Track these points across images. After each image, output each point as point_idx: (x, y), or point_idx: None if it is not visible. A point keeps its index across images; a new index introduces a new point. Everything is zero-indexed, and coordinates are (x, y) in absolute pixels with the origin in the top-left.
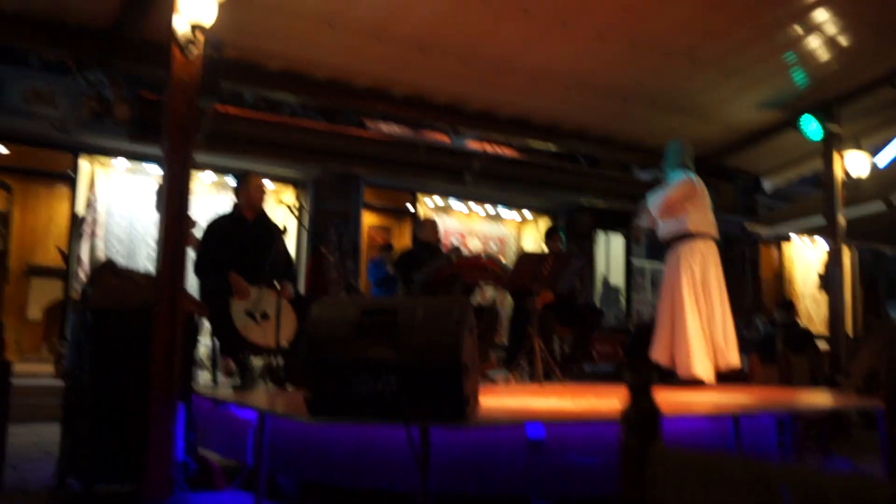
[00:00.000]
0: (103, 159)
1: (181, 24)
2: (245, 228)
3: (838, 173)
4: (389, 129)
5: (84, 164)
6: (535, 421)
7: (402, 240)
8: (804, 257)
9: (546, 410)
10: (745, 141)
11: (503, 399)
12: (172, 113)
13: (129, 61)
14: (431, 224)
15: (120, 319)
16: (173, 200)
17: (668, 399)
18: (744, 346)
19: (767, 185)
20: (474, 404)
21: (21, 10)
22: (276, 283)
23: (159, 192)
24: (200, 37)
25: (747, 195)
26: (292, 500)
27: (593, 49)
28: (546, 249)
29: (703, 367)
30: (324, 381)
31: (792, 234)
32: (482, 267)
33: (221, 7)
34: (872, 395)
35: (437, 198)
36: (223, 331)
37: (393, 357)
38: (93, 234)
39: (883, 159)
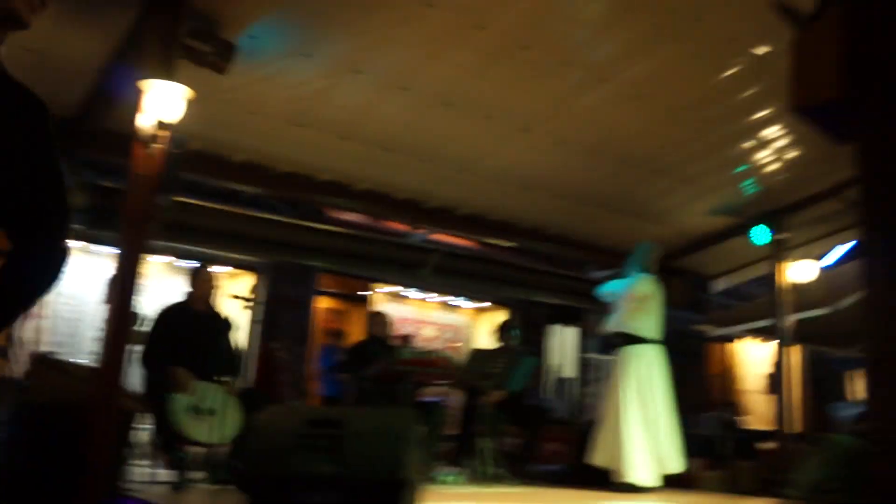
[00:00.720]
0: None
1: (146, 120)
2: (194, 320)
3: (785, 279)
4: (349, 219)
5: None
6: None
7: (356, 325)
8: (751, 355)
9: None
10: (697, 244)
11: None
12: (130, 207)
13: (91, 150)
14: (383, 318)
15: (55, 415)
16: (121, 294)
17: None
18: (691, 445)
19: (718, 285)
20: None
21: None
22: (221, 378)
23: (110, 284)
24: (164, 133)
25: (696, 291)
26: None
27: (553, 154)
28: (498, 345)
29: (643, 473)
30: (263, 494)
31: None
32: (432, 365)
33: (189, 102)
34: None
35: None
36: (162, 426)
37: (335, 472)
38: (38, 315)
39: (828, 262)
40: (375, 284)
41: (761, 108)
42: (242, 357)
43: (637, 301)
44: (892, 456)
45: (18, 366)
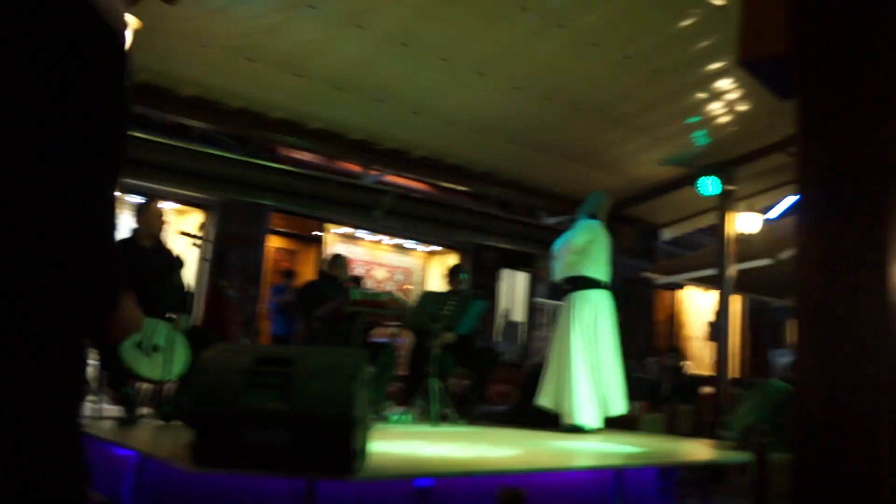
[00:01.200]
0: None
1: None
2: (142, 257)
3: (731, 230)
4: (301, 158)
5: None
6: (424, 476)
7: (307, 265)
8: (696, 303)
9: (436, 459)
10: (647, 193)
11: (396, 444)
12: None
13: None
14: (343, 260)
15: None
16: None
17: (556, 449)
18: (635, 389)
19: (665, 234)
20: (363, 457)
21: None
22: (170, 315)
23: None
24: None
25: (646, 240)
26: None
27: (508, 99)
28: (448, 288)
29: (586, 416)
30: (211, 431)
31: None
32: (383, 306)
33: (135, 33)
34: (748, 449)
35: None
36: (110, 362)
37: (284, 409)
38: None
39: (773, 214)
40: (328, 225)
41: (715, 60)
42: (193, 294)
43: (580, 248)
44: (811, 401)
45: None
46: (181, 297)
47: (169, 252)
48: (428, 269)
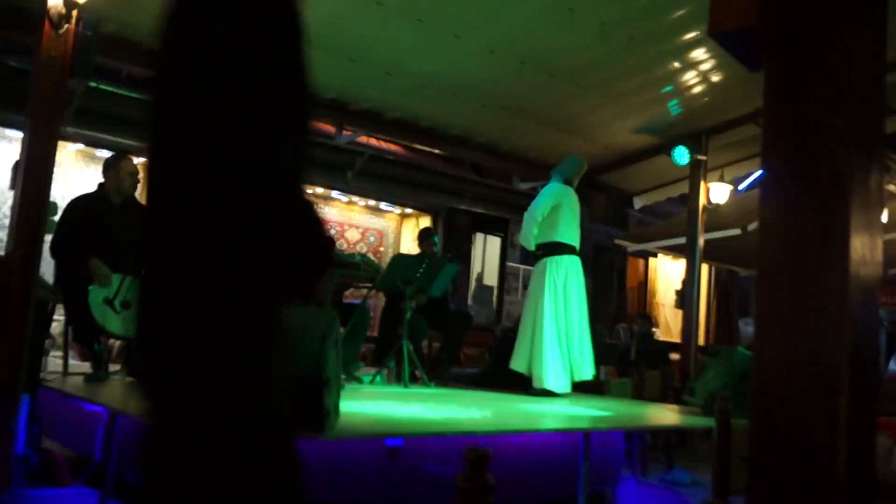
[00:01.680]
0: None
1: None
2: (111, 212)
3: (702, 199)
4: None
5: None
6: (395, 436)
7: None
8: (667, 271)
9: (407, 419)
10: (620, 161)
11: (367, 404)
12: (38, 90)
13: None
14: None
15: None
16: (33, 181)
17: (525, 412)
18: (604, 354)
19: (638, 202)
20: (335, 416)
21: None
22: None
23: (15, 168)
24: (74, 12)
25: (619, 207)
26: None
27: (483, 62)
28: (420, 251)
29: (556, 381)
30: None
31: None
32: (356, 267)
33: None
34: (711, 415)
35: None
36: (78, 318)
37: None
38: None
39: (743, 185)
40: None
41: (690, 30)
42: None
43: (547, 212)
44: (770, 370)
45: None
46: None
47: (140, 207)
48: (401, 231)
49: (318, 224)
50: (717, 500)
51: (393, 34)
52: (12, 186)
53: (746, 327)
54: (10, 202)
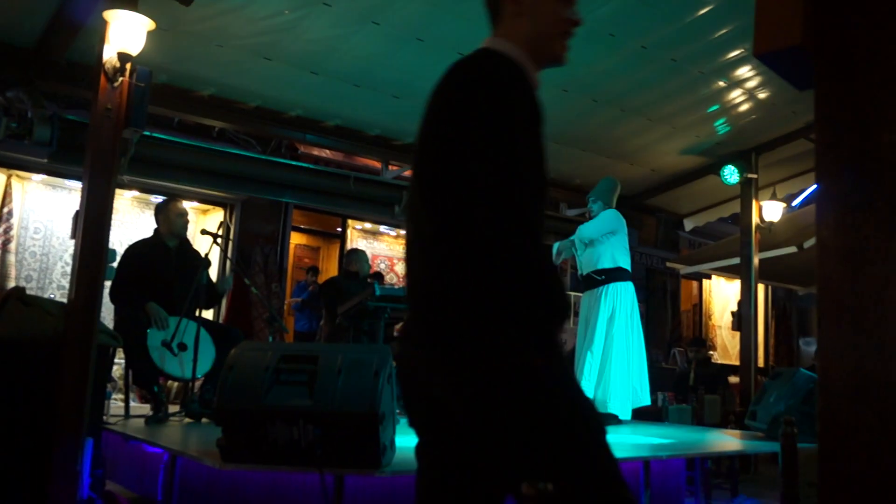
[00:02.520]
0: (21, 172)
1: (109, 52)
2: (166, 256)
3: (754, 218)
4: (321, 155)
5: None
6: None
7: (330, 261)
8: (723, 292)
9: None
10: (669, 183)
11: None
12: (95, 140)
13: (51, 82)
14: (360, 255)
15: (27, 350)
16: (92, 229)
17: None
18: (661, 379)
19: (689, 223)
20: (391, 452)
21: None
22: (197, 313)
23: (76, 218)
24: (128, 66)
25: (669, 230)
26: None
27: None
28: None
29: (621, 407)
30: (238, 428)
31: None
32: (405, 302)
33: (152, 34)
34: (776, 439)
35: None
36: (137, 361)
37: (310, 405)
38: (4, 249)
39: (796, 202)
40: (350, 221)
41: (733, 48)
42: (222, 291)
43: (598, 239)
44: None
45: None
46: (209, 296)
47: (194, 251)
48: None
49: (558, 282)
50: None
51: (435, 68)
52: (73, 235)
53: (807, 347)
54: (71, 250)
